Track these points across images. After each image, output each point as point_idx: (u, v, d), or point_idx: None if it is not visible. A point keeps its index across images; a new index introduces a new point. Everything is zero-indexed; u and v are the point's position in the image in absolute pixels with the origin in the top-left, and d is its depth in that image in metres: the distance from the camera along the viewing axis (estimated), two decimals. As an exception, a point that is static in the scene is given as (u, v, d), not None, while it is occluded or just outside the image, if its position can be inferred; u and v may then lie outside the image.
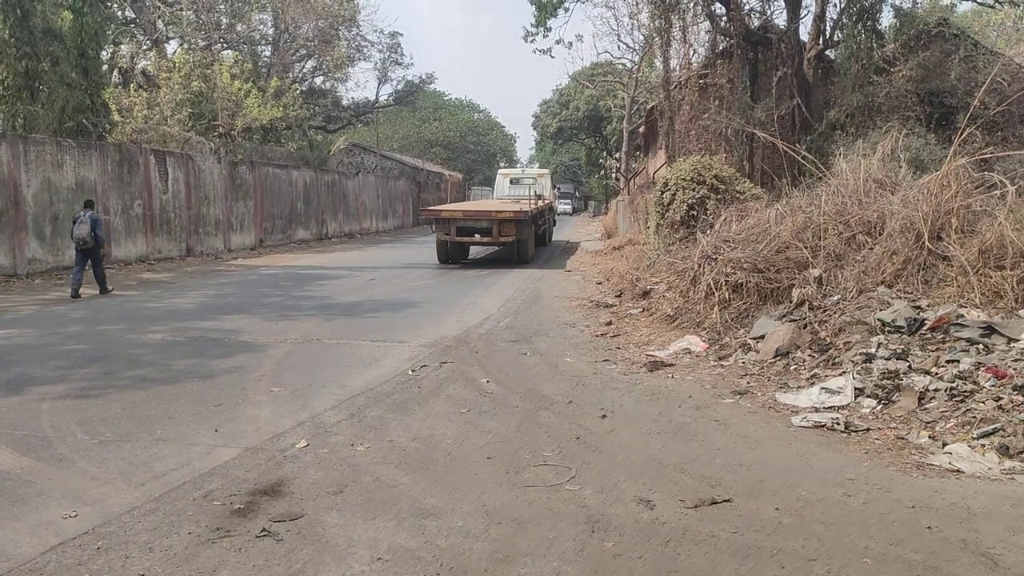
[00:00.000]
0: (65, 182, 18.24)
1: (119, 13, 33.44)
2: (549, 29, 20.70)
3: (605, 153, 61.19)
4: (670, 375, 7.86)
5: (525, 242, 20.19)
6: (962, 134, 9.39)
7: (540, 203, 23.01)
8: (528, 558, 3.88)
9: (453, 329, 10.61)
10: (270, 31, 42.25)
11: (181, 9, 34.15)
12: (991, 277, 7.51)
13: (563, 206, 72.01)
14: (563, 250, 25.99)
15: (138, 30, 34.73)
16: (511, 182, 28.67)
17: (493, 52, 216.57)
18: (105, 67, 25.97)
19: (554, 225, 31.01)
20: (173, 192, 22.52)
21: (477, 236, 19.72)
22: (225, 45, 38.74)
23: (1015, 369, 6.19)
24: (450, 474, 5.07)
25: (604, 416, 6.43)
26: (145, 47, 34.72)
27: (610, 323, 10.78)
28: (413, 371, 8.10)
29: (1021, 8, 18.13)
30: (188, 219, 23.23)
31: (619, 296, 12.86)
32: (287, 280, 17.23)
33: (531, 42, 21.42)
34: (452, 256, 20.31)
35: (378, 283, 16.42)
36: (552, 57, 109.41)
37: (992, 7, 20.82)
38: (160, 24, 34.77)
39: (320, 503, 4.57)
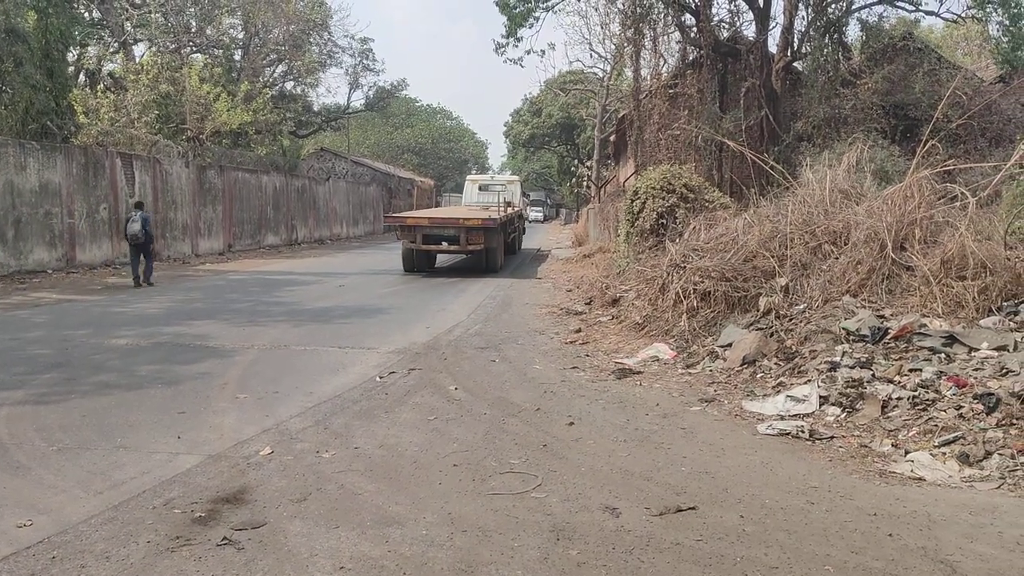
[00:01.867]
0: (28, 185, 17.92)
1: (86, 14, 32.95)
2: (520, 39, 20.62)
3: (577, 161, 61.42)
4: (638, 383, 7.89)
5: (494, 251, 19.62)
6: (925, 146, 9.55)
7: (509, 210, 22.44)
8: (492, 567, 3.86)
9: (422, 336, 10.56)
10: (240, 35, 41.90)
11: (150, 12, 33.76)
12: (953, 287, 7.64)
13: (535, 214, 72.39)
14: (533, 258, 25.92)
15: (105, 32, 34.27)
16: (480, 188, 27.95)
17: (466, 59, 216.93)
18: (71, 69, 25.58)
19: (524, 233, 30.55)
20: (140, 196, 22.18)
21: (444, 244, 19.08)
22: (194, 48, 38.36)
23: (976, 378, 6.29)
24: (415, 482, 5.04)
25: (572, 424, 6.43)
26: (112, 49, 34.28)
27: (579, 330, 10.80)
28: (381, 378, 8.04)
29: (983, 23, 18.50)
30: (155, 223, 22.90)
31: (589, 304, 12.88)
32: (255, 286, 17.05)
33: (502, 53, 21.31)
34: (418, 265, 19.75)
35: (347, 289, 16.31)
36: (523, 67, 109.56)
37: (955, 22, 21.24)
38: (128, 26, 34.32)
39: (283, 511, 4.52)
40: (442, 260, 21.53)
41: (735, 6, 20.22)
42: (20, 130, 19.07)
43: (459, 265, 21.61)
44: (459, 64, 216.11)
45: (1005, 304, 7.39)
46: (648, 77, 20.61)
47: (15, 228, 17.51)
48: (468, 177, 31.53)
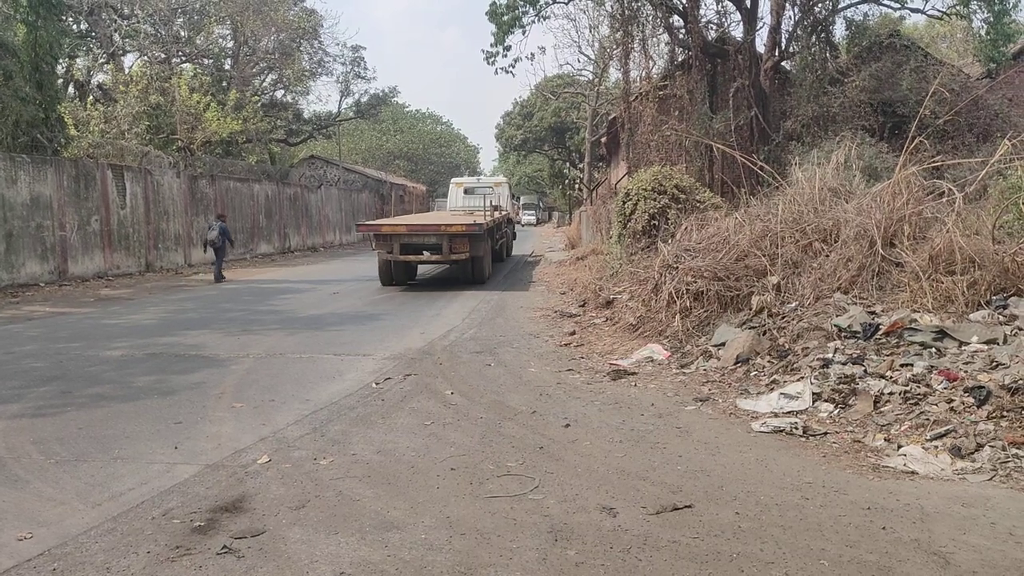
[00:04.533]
0: (19, 198, 17.90)
1: (74, 26, 32.92)
2: (508, 47, 20.38)
3: (568, 164, 61.51)
4: (633, 383, 7.93)
5: (480, 259, 17.99)
6: (912, 143, 9.62)
7: (497, 214, 21.02)
8: (491, 569, 3.89)
9: (417, 341, 10.59)
10: (230, 44, 41.91)
11: (138, 22, 33.74)
12: (942, 282, 7.69)
13: (527, 217, 72.69)
14: (525, 264, 25.28)
15: (94, 43, 34.25)
16: (465, 192, 26.06)
17: (458, 63, 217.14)
18: (60, 81, 25.55)
19: (514, 238, 29.07)
20: (131, 207, 22.21)
21: (426, 254, 17.47)
22: (184, 58, 38.35)
23: (966, 372, 6.34)
24: (413, 487, 5.07)
25: (567, 425, 6.46)
26: (101, 60, 34.25)
27: (574, 333, 10.84)
28: (377, 384, 8.07)
29: (967, 20, 18.63)
30: (147, 234, 22.92)
31: (583, 306, 12.93)
32: (249, 295, 17.06)
33: (492, 63, 21.08)
34: (397, 277, 18.02)
35: (341, 296, 16.33)
36: (514, 75, 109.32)
37: (940, 19, 21.37)
38: (117, 37, 34.30)
39: (282, 518, 4.54)
40: (424, 271, 20.39)
41: (722, 7, 20.31)
42: (10, 143, 19.06)
43: (443, 276, 20.28)
44: (450, 68, 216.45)
45: (994, 298, 7.46)
46: (638, 79, 20.68)
47: (7, 242, 17.48)
48: (452, 180, 29.12)
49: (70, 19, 31.66)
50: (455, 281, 18.69)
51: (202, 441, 6.13)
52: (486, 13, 19.54)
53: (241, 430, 6.42)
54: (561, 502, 4.76)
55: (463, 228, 17.19)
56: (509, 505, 4.72)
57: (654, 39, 20.57)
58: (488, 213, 19.09)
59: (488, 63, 20.94)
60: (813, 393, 6.67)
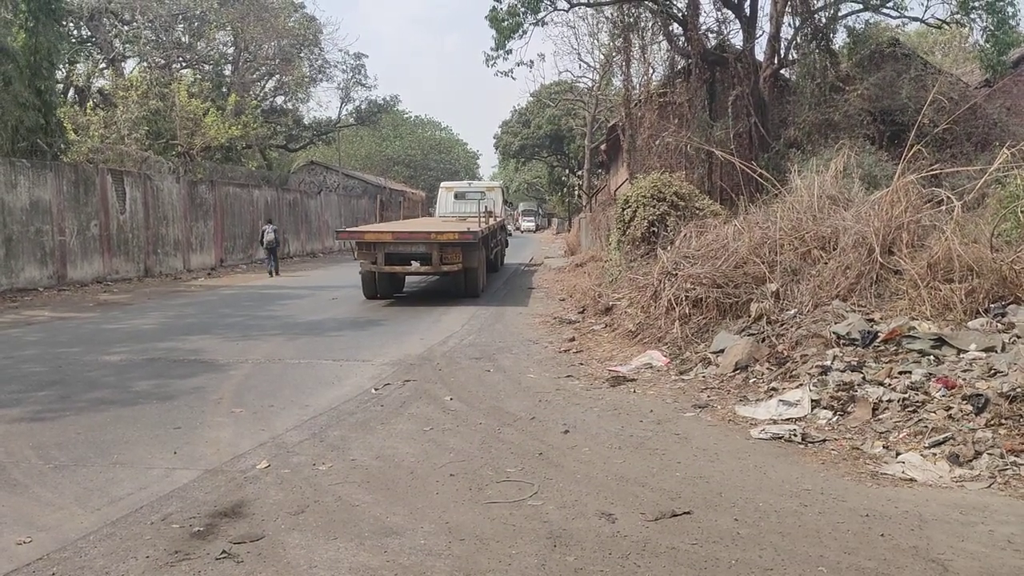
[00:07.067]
0: (19, 203, 17.92)
1: (74, 32, 32.98)
2: (509, 52, 20.37)
3: (567, 171, 61.59)
4: (632, 390, 7.94)
5: (474, 271, 16.29)
6: (910, 151, 9.65)
7: (491, 221, 19.52)
8: (490, 575, 3.89)
9: (416, 347, 10.59)
10: (230, 50, 41.97)
11: (139, 28, 33.80)
12: (940, 290, 7.71)
13: (527, 223, 72.74)
14: (521, 273, 24.48)
15: (94, 49, 34.30)
16: (456, 197, 24.15)
17: (457, 70, 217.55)
18: (60, 86, 25.58)
19: (506, 247, 27.19)
20: (131, 212, 22.23)
21: (414, 264, 15.71)
22: (184, 64, 38.42)
23: (964, 379, 6.35)
24: (412, 492, 5.07)
25: (567, 432, 6.47)
26: (102, 66, 34.30)
27: (573, 339, 10.85)
28: (376, 390, 8.08)
29: (968, 28, 18.70)
30: (146, 239, 22.94)
31: (582, 312, 12.95)
32: (248, 300, 17.06)
33: (492, 66, 21.03)
34: (381, 290, 16.26)
35: (340, 302, 16.32)
36: (514, 79, 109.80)
37: (939, 28, 21.43)
38: (117, 43, 34.36)
39: (281, 524, 4.54)
40: (412, 282, 18.99)
41: (722, 15, 20.34)
42: (10, 148, 19.08)
43: (432, 287, 19.02)
44: (451, 74, 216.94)
45: (992, 306, 7.47)
46: (638, 86, 20.72)
47: (6, 246, 17.49)
48: (442, 184, 26.51)
49: (71, 25, 31.72)
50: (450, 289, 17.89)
51: (201, 446, 6.13)
52: (486, 17, 19.59)
53: (240, 435, 6.42)
54: (560, 508, 4.76)
55: (455, 236, 15.52)
56: (508, 511, 4.72)
57: (654, 46, 20.65)
58: (483, 220, 18.08)
59: (489, 66, 21.00)
60: (812, 400, 6.68)
